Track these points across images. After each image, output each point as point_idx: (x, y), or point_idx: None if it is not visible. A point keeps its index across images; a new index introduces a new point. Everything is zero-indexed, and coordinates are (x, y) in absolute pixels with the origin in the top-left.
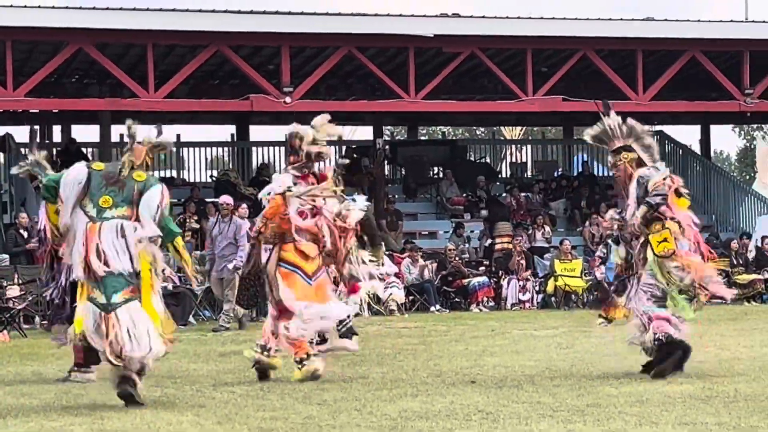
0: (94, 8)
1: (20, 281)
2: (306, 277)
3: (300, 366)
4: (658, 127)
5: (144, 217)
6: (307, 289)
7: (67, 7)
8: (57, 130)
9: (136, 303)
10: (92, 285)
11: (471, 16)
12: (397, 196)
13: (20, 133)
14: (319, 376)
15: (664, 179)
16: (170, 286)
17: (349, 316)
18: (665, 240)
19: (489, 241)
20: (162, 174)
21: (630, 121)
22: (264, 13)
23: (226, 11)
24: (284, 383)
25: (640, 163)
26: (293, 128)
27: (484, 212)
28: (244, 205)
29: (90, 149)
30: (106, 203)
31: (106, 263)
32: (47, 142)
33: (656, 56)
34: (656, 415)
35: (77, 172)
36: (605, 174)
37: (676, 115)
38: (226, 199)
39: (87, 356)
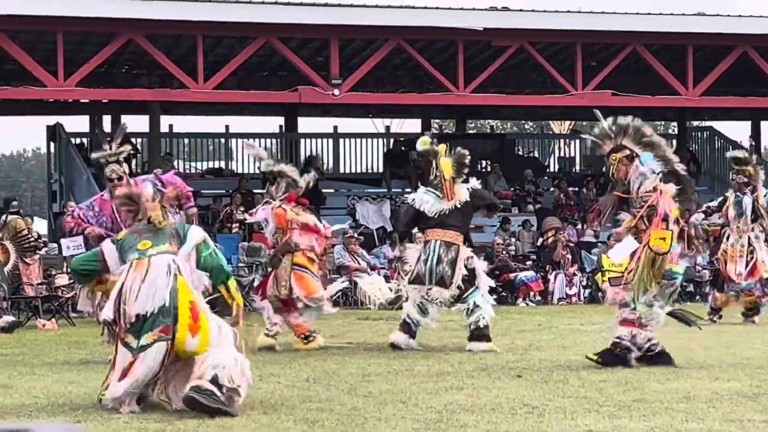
0: None
1: (69, 270)
2: None
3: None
4: (708, 123)
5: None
6: None
7: None
8: (107, 120)
9: (163, 344)
10: (125, 329)
11: (521, 10)
12: None
13: (70, 123)
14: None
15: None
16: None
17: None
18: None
19: (540, 239)
20: (210, 165)
21: (625, 119)
22: (313, 5)
23: (275, 3)
24: (330, 375)
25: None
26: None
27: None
28: None
29: (139, 139)
30: (146, 245)
31: (139, 305)
32: (96, 132)
33: (706, 51)
34: (703, 412)
35: (108, 252)
36: None
37: (726, 110)
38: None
39: None
